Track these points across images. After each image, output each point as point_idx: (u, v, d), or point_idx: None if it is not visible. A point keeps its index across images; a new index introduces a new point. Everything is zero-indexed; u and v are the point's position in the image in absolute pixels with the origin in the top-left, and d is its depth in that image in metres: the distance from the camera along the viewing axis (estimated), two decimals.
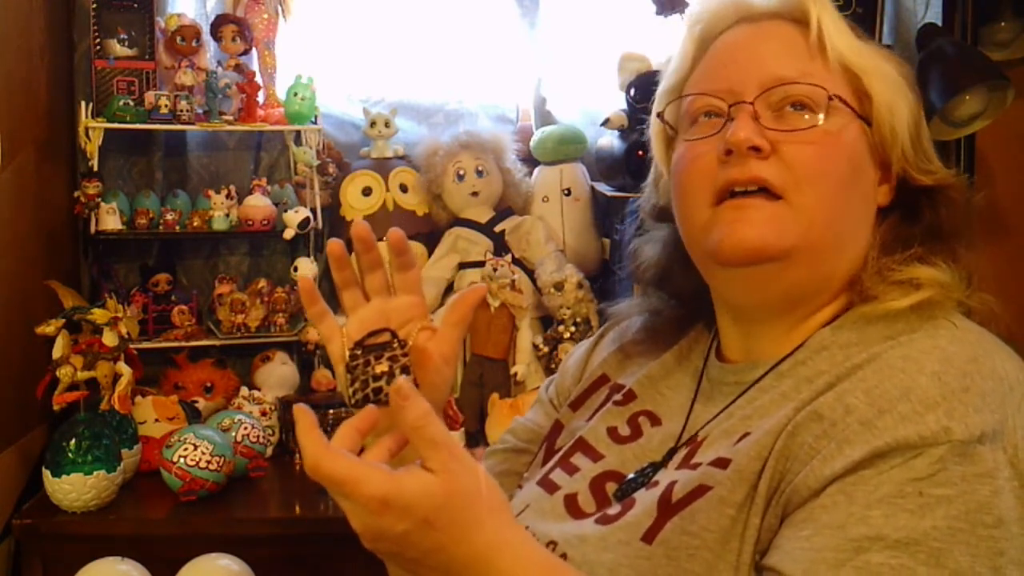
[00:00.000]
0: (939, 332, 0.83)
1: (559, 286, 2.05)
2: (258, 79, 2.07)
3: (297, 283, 2.07)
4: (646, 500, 0.88)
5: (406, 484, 0.71)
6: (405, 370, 0.85)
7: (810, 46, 0.90)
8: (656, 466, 0.93)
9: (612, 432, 0.99)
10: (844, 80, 0.90)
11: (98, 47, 2.01)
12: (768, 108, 0.88)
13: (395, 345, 0.87)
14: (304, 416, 0.74)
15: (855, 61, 0.90)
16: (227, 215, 2.04)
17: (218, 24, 2.06)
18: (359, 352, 0.88)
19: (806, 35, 0.90)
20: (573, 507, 0.95)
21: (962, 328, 0.85)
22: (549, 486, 0.98)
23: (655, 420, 0.98)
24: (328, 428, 1.91)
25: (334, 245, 0.93)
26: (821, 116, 0.87)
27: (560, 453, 1.02)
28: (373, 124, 2.19)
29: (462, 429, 1.96)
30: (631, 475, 0.94)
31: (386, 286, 0.94)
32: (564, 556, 0.87)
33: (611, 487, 0.94)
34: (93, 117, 1.97)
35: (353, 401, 0.87)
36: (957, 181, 0.93)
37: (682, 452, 0.91)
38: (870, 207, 0.92)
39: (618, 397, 1.03)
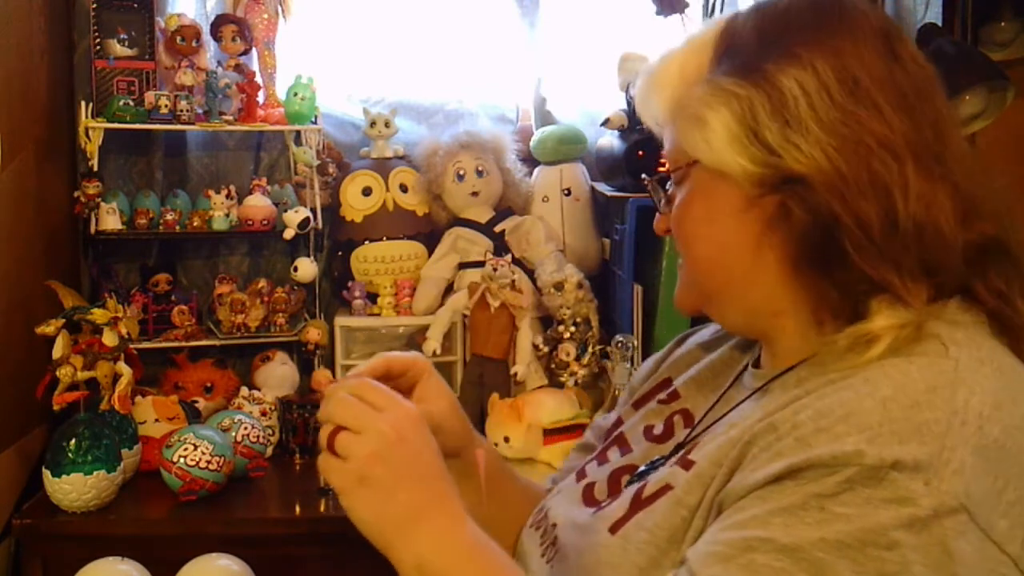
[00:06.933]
0: (917, 359, 0.79)
1: (559, 286, 2.05)
2: (258, 79, 2.07)
3: (299, 285, 2.07)
4: (627, 493, 0.93)
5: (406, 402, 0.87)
6: None
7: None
8: (665, 459, 0.95)
9: (648, 430, 1.03)
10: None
11: (98, 47, 2.01)
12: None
13: None
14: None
15: (670, 121, 0.93)
16: (227, 215, 2.04)
17: (218, 24, 2.06)
18: None
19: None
20: (588, 495, 1.00)
21: (949, 355, 0.79)
22: (580, 474, 1.05)
23: (689, 420, 1.00)
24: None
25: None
26: (677, 190, 0.95)
27: (602, 446, 1.08)
28: (373, 124, 2.18)
29: None
30: (642, 468, 0.97)
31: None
32: (556, 538, 0.97)
33: (626, 479, 0.98)
34: (93, 117, 1.96)
35: None
36: (826, 165, 0.81)
37: (683, 450, 0.93)
38: (753, 227, 0.87)
39: (663, 396, 1.06)
